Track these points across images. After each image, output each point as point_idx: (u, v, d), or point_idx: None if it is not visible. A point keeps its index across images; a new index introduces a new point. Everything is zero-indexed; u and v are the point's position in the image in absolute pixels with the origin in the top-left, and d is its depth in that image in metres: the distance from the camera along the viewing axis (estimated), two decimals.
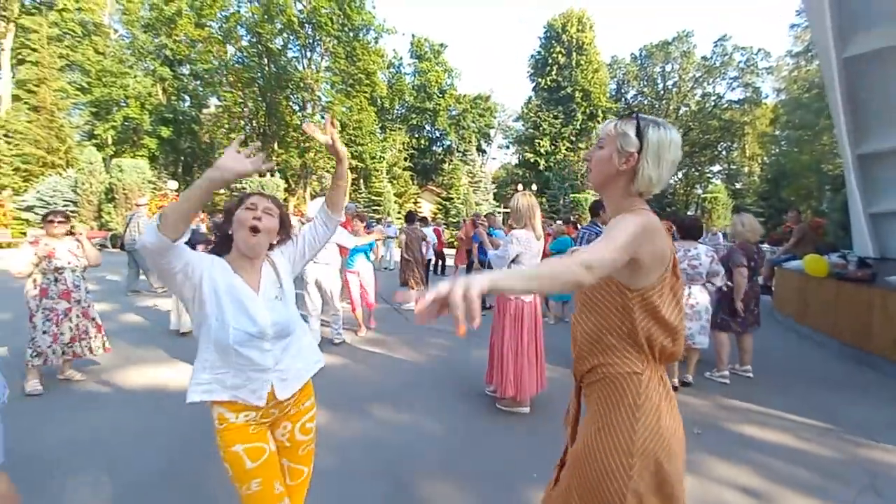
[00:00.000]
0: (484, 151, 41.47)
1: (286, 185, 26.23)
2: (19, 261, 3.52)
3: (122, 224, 17.15)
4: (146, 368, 4.20)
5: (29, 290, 3.60)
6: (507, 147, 44.79)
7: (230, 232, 1.47)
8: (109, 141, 25.88)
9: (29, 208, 16.24)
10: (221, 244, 1.50)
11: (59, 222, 3.69)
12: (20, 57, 22.55)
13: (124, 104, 25.84)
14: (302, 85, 29.12)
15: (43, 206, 16.14)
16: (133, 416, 3.25)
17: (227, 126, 30.20)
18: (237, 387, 1.36)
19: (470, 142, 37.30)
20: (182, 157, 29.63)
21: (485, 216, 6.73)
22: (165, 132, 26.56)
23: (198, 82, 29.20)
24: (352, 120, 28.91)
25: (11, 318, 5.58)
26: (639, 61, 39.90)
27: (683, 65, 38.94)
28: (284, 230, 1.54)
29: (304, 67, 29.85)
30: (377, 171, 29.39)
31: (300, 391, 1.54)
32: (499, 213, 23.31)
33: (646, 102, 39.26)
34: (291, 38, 29.10)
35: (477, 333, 5.80)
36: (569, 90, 33.14)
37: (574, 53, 33.20)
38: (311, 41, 29.32)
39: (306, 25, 28.17)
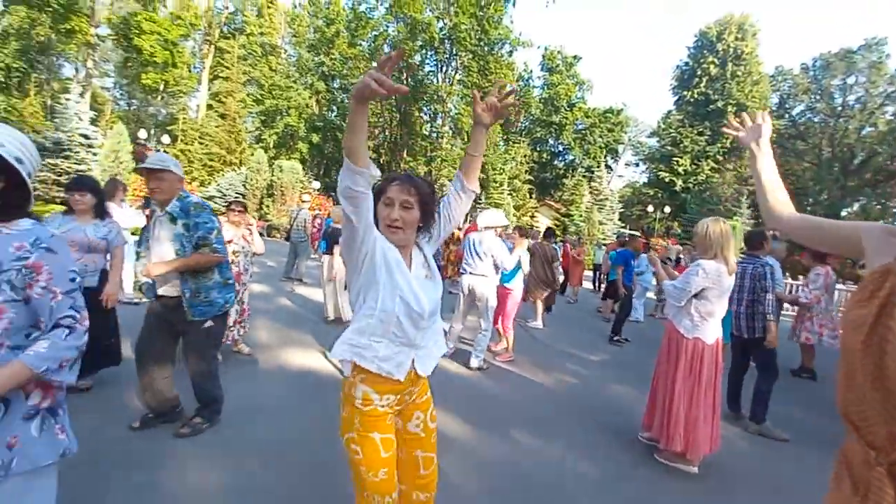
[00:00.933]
0: (610, 168, 39.22)
1: None
2: None
3: (277, 216, 19.72)
4: (300, 351, 4.55)
5: None
6: (637, 165, 41.76)
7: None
8: (271, 145, 30.11)
9: (210, 198, 19.52)
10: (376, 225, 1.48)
11: (239, 211, 4.16)
12: (215, 73, 27.59)
13: (286, 113, 29.91)
14: (435, 97, 30.64)
15: (220, 197, 19.27)
16: (287, 391, 3.52)
17: None
18: (386, 358, 1.37)
19: (595, 157, 35.56)
20: (325, 161, 33.21)
21: (628, 237, 6.15)
22: (315, 138, 30.06)
23: (345, 95, 32.53)
24: None
25: None
26: (811, 73, 34.20)
27: (872, 77, 32.35)
28: (428, 216, 1.47)
29: (438, 81, 31.38)
30: (497, 182, 29.55)
31: (422, 382, 1.56)
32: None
33: (816, 120, 33.42)
34: (430, 53, 30.84)
35: (618, 365, 5.37)
36: (720, 104, 29.81)
37: (730, 64, 29.83)
38: (447, 56, 30.73)
39: (446, 41, 29.62)
